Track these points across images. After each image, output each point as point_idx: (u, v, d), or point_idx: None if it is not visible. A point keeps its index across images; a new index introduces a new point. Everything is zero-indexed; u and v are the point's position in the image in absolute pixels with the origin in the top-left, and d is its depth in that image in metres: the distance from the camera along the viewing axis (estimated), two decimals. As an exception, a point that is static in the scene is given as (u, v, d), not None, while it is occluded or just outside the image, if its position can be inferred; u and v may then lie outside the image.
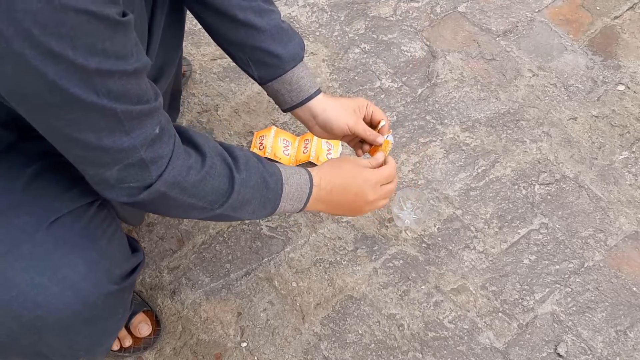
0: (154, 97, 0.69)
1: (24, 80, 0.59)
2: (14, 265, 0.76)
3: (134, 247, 0.94)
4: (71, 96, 0.60)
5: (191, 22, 1.58)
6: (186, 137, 0.79)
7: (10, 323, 0.77)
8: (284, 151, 1.38)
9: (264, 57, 1.00)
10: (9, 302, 0.76)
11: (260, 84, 1.04)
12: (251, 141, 1.42)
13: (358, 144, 1.10)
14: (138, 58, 0.65)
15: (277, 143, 1.39)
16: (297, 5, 1.65)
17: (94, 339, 0.89)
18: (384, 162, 1.01)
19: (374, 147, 1.07)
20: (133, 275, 0.89)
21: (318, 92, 1.04)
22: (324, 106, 1.04)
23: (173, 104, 1.28)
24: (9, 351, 0.84)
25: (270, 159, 1.36)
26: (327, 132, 1.06)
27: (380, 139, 1.05)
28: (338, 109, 1.04)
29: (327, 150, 1.38)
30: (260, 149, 1.37)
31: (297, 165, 1.08)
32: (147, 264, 1.28)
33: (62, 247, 0.78)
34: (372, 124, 1.09)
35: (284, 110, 1.06)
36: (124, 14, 0.61)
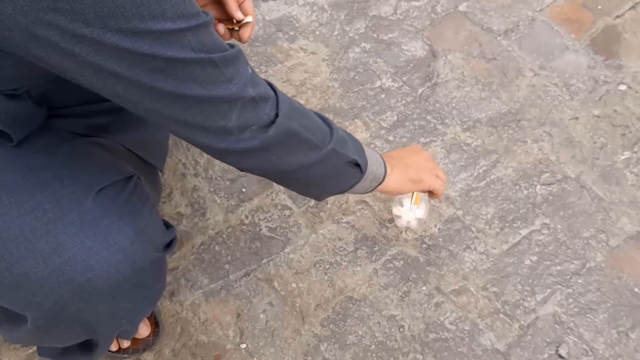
0: (230, 44, 0.74)
1: (124, 55, 0.62)
2: (64, 230, 0.78)
3: (165, 224, 0.96)
4: (169, 58, 0.64)
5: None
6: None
7: (60, 289, 0.79)
8: None
9: None
10: (62, 266, 0.77)
11: None
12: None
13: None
14: (206, 12, 0.68)
15: None
16: (297, 4, 1.64)
17: (137, 306, 0.91)
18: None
19: (231, 29, 1.03)
20: (170, 248, 0.92)
21: None
22: None
23: None
24: (53, 323, 0.85)
25: None
26: None
27: (239, 14, 1.01)
28: None
29: None
30: None
31: None
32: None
33: (111, 215, 0.80)
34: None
35: None
36: None
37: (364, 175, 0.93)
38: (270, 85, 0.80)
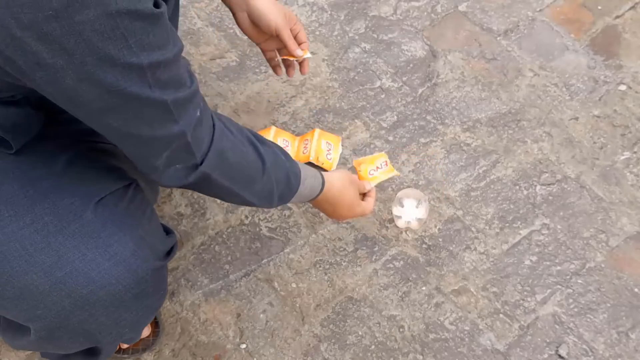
0: (190, 79, 0.73)
1: (83, 88, 0.62)
2: (65, 243, 0.78)
3: (166, 229, 0.96)
4: (129, 95, 0.64)
5: (190, 22, 1.58)
6: (222, 123, 0.84)
7: (63, 301, 0.79)
8: None
9: None
10: (63, 279, 0.78)
11: None
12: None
13: (272, 55, 1.17)
14: (175, 43, 0.68)
15: (277, 143, 1.38)
16: (297, 4, 1.64)
17: (139, 315, 0.90)
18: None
19: (288, 63, 1.14)
20: (171, 255, 0.92)
21: None
22: None
23: None
24: (56, 334, 0.86)
25: None
26: (254, 22, 1.10)
27: (299, 51, 1.11)
28: (272, 6, 1.08)
29: (327, 150, 1.37)
30: None
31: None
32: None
33: (110, 225, 0.81)
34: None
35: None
36: (158, 4, 0.64)
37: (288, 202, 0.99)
38: (214, 127, 0.80)
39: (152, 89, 0.65)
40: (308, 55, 1.13)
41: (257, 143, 0.88)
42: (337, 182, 1.07)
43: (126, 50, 0.60)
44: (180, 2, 1.06)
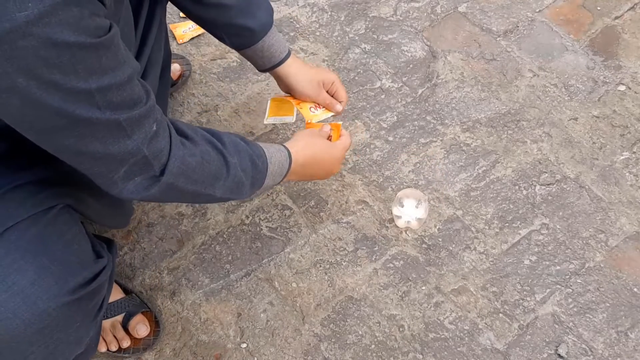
0: (146, 96, 0.73)
1: (30, 110, 0.63)
2: None
3: (98, 253, 0.89)
4: (77, 117, 0.64)
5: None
6: (176, 129, 0.83)
7: None
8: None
9: (236, 30, 1.09)
10: None
11: (234, 48, 1.16)
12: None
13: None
14: (129, 64, 0.68)
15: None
16: (297, 5, 1.65)
17: (51, 349, 0.81)
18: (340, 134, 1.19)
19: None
20: (92, 283, 0.84)
21: (287, 56, 1.16)
22: (293, 72, 1.17)
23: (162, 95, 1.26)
24: None
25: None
26: (291, 94, 1.21)
27: (338, 106, 1.20)
28: (302, 82, 1.17)
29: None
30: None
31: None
32: (146, 264, 1.28)
33: (13, 253, 0.76)
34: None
35: (260, 71, 1.19)
36: (110, 27, 0.64)
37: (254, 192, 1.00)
38: (171, 136, 0.79)
39: (102, 110, 0.65)
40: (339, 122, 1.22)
41: (213, 138, 0.88)
42: (300, 142, 1.08)
43: (73, 75, 0.61)
44: (150, 14, 1.03)
